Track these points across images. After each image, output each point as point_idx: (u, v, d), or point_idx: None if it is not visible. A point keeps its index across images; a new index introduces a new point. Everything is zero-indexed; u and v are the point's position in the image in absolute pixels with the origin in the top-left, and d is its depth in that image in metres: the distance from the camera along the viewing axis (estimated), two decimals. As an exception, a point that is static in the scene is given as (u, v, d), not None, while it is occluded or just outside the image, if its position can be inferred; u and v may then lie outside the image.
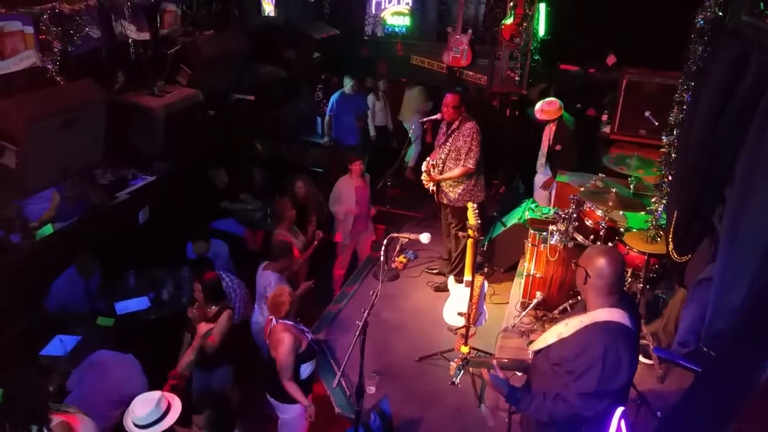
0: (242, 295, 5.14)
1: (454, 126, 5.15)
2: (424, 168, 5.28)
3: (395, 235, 3.93)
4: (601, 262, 2.62)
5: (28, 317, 4.74)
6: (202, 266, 5.01)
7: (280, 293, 3.93)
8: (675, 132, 4.17)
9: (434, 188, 5.36)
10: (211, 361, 4.37)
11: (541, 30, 7.45)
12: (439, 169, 5.26)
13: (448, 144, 5.19)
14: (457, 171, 5.18)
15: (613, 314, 2.61)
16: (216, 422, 3.16)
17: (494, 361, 2.92)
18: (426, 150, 7.89)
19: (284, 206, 5.46)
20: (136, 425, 3.11)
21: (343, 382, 4.30)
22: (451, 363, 3.09)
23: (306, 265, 5.61)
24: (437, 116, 5.42)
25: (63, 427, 3.07)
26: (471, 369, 3.14)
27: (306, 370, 3.88)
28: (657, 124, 5.44)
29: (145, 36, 5.11)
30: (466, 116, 5.15)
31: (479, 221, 4.27)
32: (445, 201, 5.43)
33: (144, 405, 3.12)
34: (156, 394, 3.19)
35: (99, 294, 5.07)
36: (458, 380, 3.12)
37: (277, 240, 5.11)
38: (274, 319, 3.89)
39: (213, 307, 4.30)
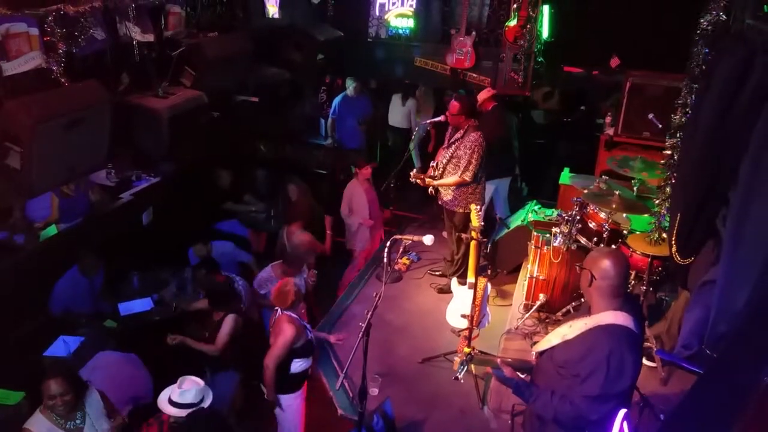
0: (247, 297, 5.15)
1: (459, 134, 5.14)
2: (412, 176, 5.28)
3: (398, 236, 3.93)
4: (606, 263, 2.63)
5: (32, 318, 4.76)
6: (208, 268, 5.02)
7: (285, 283, 3.95)
8: (678, 134, 4.17)
9: (433, 190, 5.37)
10: (217, 365, 4.40)
11: (545, 32, 7.45)
12: (439, 172, 5.26)
13: (450, 150, 5.18)
14: (452, 180, 5.17)
15: (618, 317, 2.61)
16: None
17: (498, 360, 2.93)
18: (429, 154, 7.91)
19: (300, 206, 5.50)
20: (171, 402, 3.22)
21: (346, 384, 4.30)
22: (455, 358, 3.08)
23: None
24: (441, 118, 5.43)
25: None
26: (474, 369, 3.14)
27: (298, 365, 3.90)
28: (660, 126, 5.42)
29: (150, 38, 5.13)
30: (472, 126, 5.11)
31: (482, 223, 4.27)
32: (440, 203, 5.45)
33: (185, 385, 3.26)
34: (199, 382, 3.31)
35: (102, 295, 5.08)
36: (461, 376, 3.12)
37: (293, 251, 5.09)
38: (279, 310, 3.92)
39: (220, 313, 4.34)
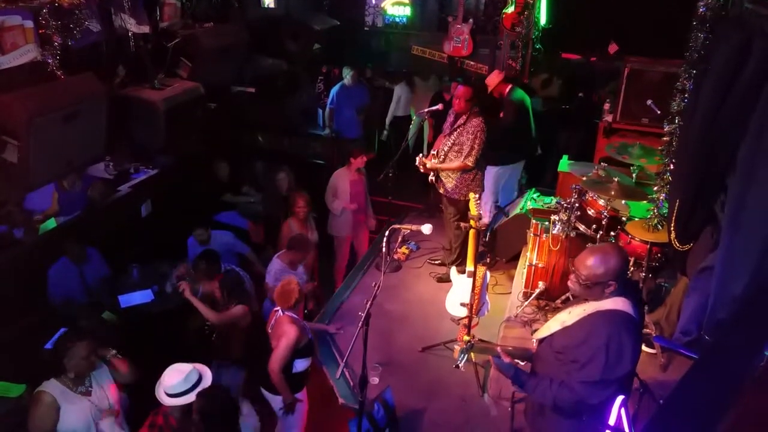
0: (249, 288, 5.15)
1: (461, 120, 5.10)
2: (417, 161, 5.27)
3: (397, 226, 3.93)
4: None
5: (33, 311, 4.77)
6: (209, 261, 5.02)
7: (288, 282, 3.95)
8: (677, 120, 4.16)
9: (433, 177, 5.35)
10: (224, 359, 4.40)
11: (543, 19, 7.42)
12: (440, 159, 5.24)
13: (453, 136, 5.16)
14: (455, 164, 5.16)
15: (617, 303, 2.62)
16: (210, 412, 3.15)
17: (499, 348, 2.93)
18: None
19: (297, 199, 5.49)
20: (166, 394, 3.22)
21: (347, 373, 4.31)
22: (455, 346, 3.09)
23: (317, 262, 5.66)
24: (438, 107, 5.40)
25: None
26: (474, 357, 3.15)
27: (300, 365, 3.90)
28: (659, 112, 5.41)
29: (145, 29, 5.10)
30: (475, 111, 5.10)
31: (480, 211, 4.26)
32: (441, 191, 5.43)
33: (174, 375, 3.24)
34: (187, 366, 3.29)
35: (98, 285, 5.08)
36: (462, 364, 3.13)
37: (295, 234, 5.10)
38: (280, 311, 3.90)
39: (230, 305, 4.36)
